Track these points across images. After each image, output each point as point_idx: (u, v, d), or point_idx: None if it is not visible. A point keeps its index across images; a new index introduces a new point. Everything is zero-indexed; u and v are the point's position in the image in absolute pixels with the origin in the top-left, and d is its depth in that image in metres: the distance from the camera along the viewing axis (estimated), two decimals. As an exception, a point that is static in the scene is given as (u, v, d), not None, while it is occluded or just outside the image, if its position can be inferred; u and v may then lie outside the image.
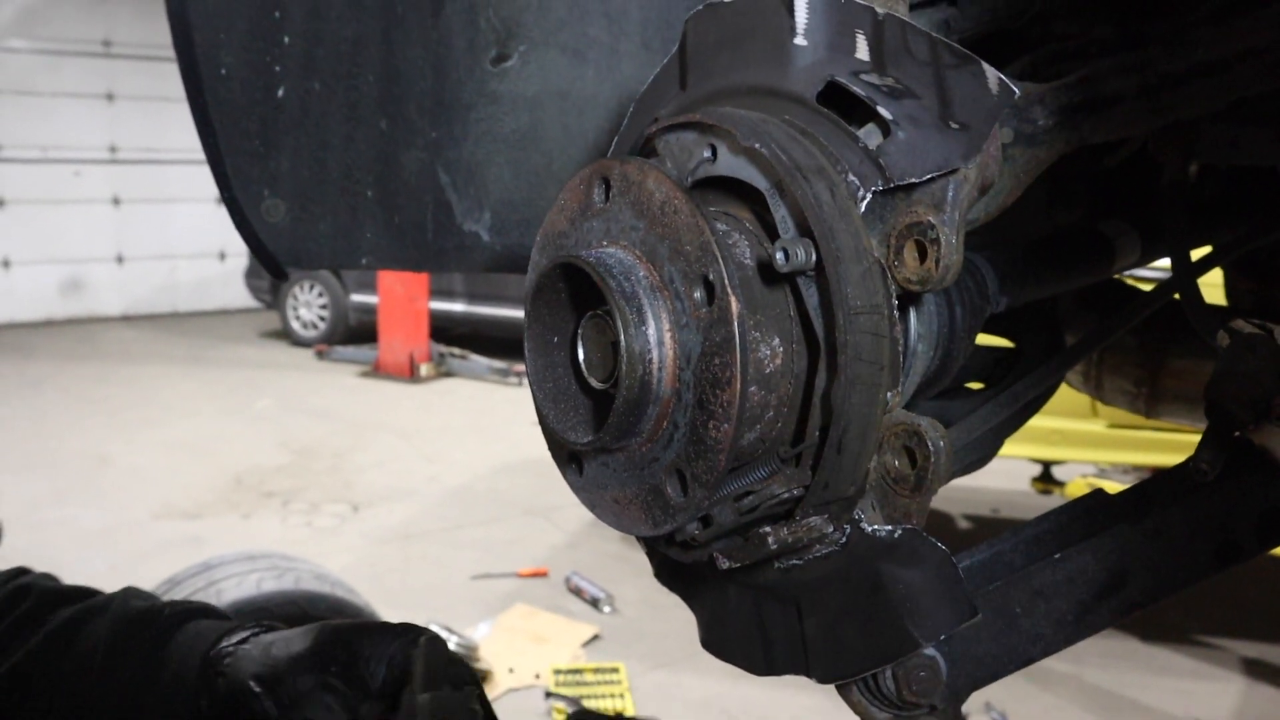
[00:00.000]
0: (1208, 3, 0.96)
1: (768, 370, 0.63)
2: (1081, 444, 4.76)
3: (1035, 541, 0.77)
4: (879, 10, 0.65)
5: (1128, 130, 0.72)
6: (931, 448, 0.63)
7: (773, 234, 0.65)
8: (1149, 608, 0.73)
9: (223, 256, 14.68)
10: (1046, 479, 5.39)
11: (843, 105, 0.66)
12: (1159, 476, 0.79)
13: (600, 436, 0.63)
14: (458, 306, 11.31)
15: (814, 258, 0.60)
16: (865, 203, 0.63)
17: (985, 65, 0.60)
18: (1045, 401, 1.05)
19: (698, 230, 0.60)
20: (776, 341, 0.63)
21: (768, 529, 0.66)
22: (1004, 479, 6.18)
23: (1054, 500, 5.54)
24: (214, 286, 14.71)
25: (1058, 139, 0.71)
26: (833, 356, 0.61)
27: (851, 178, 0.63)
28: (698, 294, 0.60)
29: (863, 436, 0.62)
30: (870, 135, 0.64)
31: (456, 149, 1.27)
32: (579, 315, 0.68)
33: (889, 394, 0.62)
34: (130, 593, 1.01)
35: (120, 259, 14.09)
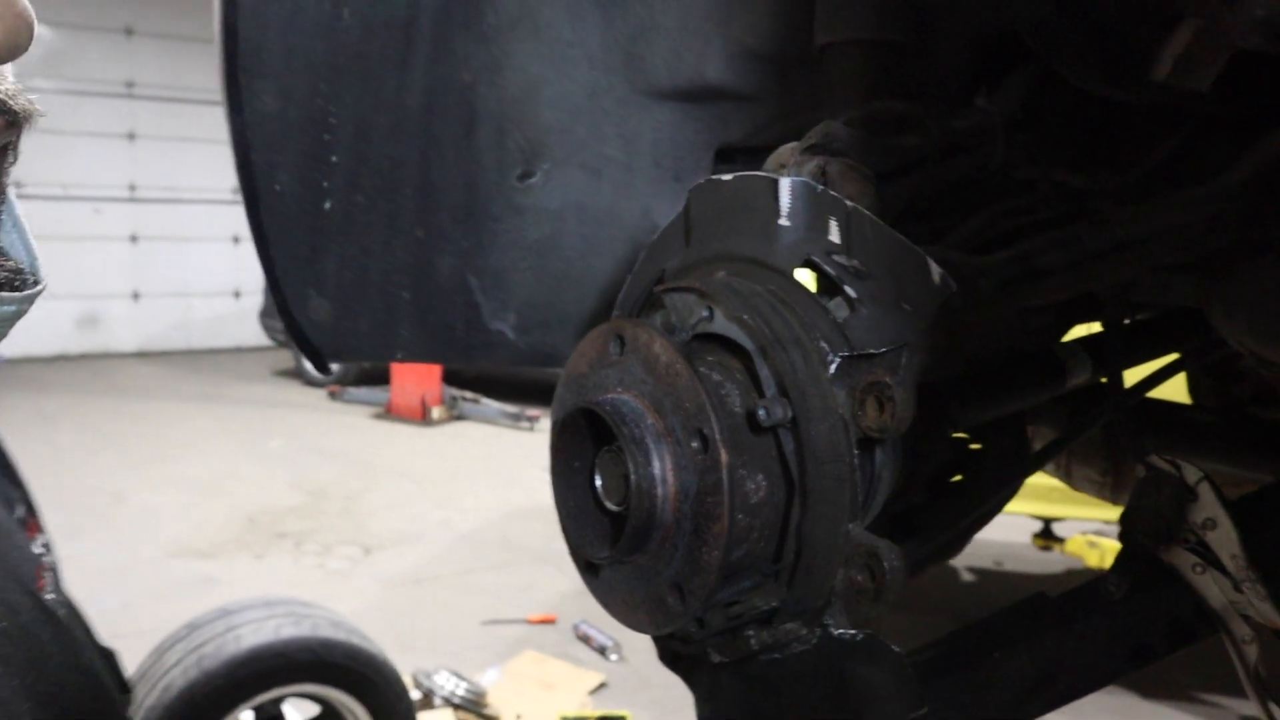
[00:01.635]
0: (1154, 155, 1.10)
1: (753, 501, 0.76)
2: (1081, 502, 4.86)
3: (984, 638, 0.90)
4: (848, 203, 0.79)
5: (1061, 295, 0.86)
6: (888, 566, 0.76)
7: (758, 385, 0.78)
8: (1075, 700, 0.85)
9: (238, 295, 14.89)
10: (1047, 535, 5.48)
11: (818, 280, 0.80)
12: (1088, 585, 0.92)
13: (614, 553, 0.77)
14: (470, 350, 11.44)
15: (790, 415, 0.74)
16: (834, 366, 0.76)
17: (929, 259, 0.74)
18: (1009, 499, 1.18)
19: (695, 392, 0.73)
20: (760, 478, 0.77)
21: (751, 632, 0.79)
22: (1007, 532, 6.27)
23: (1054, 556, 5.63)
24: (229, 324, 14.92)
25: (1001, 303, 0.85)
26: (805, 496, 0.75)
27: (823, 344, 0.77)
28: (695, 443, 0.74)
29: (828, 560, 0.75)
30: (839, 307, 0.78)
31: (485, 256, 1.41)
32: (597, 447, 0.81)
33: (850, 525, 0.75)
34: None
35: (136, 295, 14.31)
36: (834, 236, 0.80)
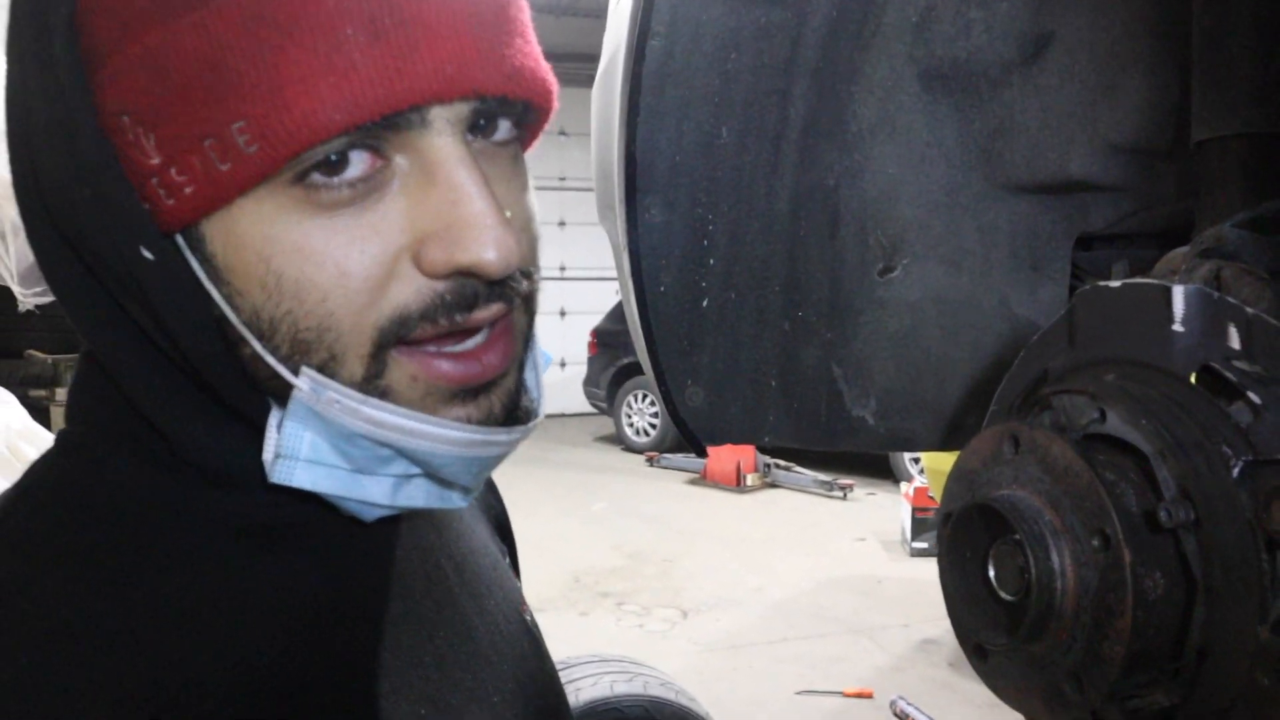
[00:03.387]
0: None
1: (1151, 599, 0.79)
2: None
3: None
4: (1249, 310, 0.81)
5: None
6: (1298, 672, 0.77)
7: (1154, 485, 0.82)
8: None
9: (563, 365, 15.92)
10: None
11: (1213, 384, 0.83)
12: None
13: (1013, 640, 0.82)
14: (782, 419, 11.53)
15: (1193, 516, 0.77)
16: (1237, 469, 0.78)
17: (1341, 369, 0.75)
18: None
19: (1097, 493, 0.78)
20: (1159, 575, 0.80)
21: (1149, 727, 0.82)
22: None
23: None
24: (554, 393, 15.94)
25: None
26: (1209, 596, 0.77)
27: (1225, 449, 0.79)
28: (1095, 541, 0.79)
29: (1234, 661, 0.77)
30: (1240, 413, 0.80)
31: (848, 346, 1.51)
32: (990, 539, 0.87)
33: (1259, 626, 0.77)
34: None
35: (474, 365, 15.59)
36: (1233, 342, 0.82)
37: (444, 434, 0.60)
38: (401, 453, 0.60)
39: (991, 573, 0.87)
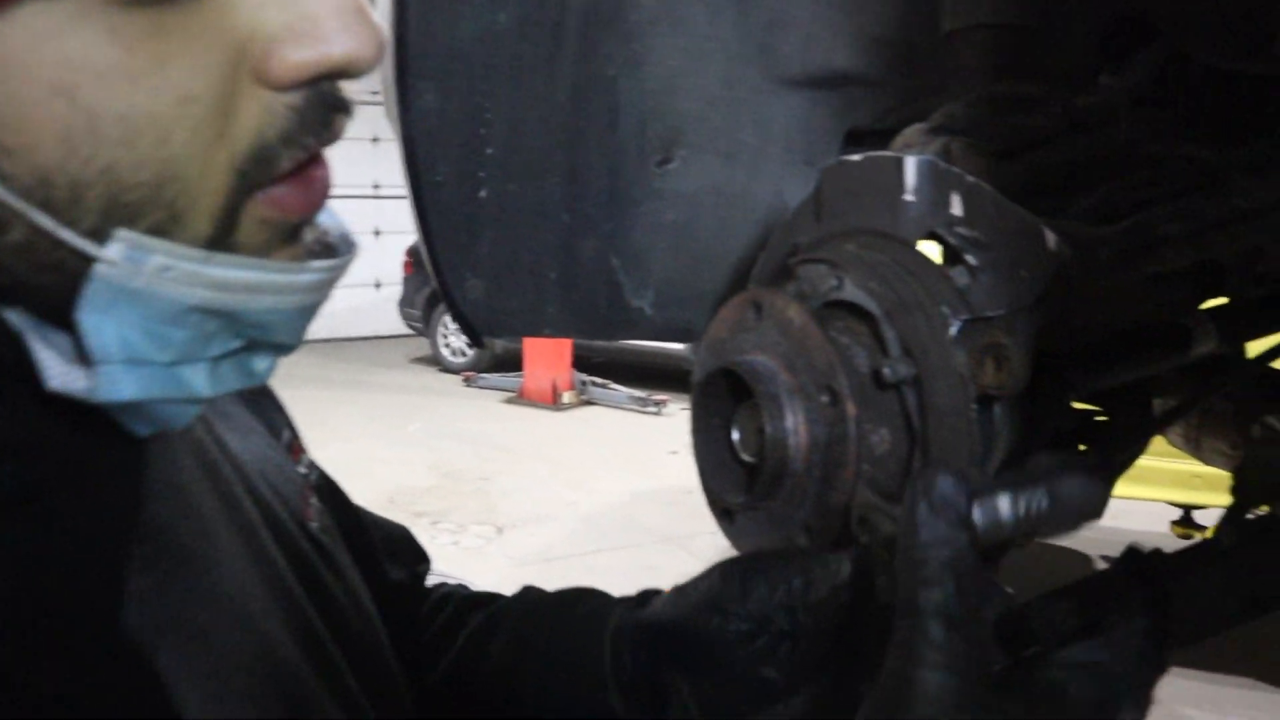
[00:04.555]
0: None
1: (878, 453, 0.84)
2: (1221, 489, 4.69)
3: (1089, 592, 0.95)
4: (969, 179, 0.85)
5: (1180, 264, 0.90)
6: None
7: (882, 345, 0.85)
8: (1189, 645, 0.90)
9: (378, 285, 15.51)
10: (1187, 523, 5.33)
11: (941, 249, 0.87)
12: (1202, 542, 0.96)
13: (749, 498, 0.85)
14: (599, 337, 11.64)
15: (913, 373, 0.81)
16: (955, 328, 0.83)
17: (1045, 229, 0.80)
18: (1132, 463, 1.22)
19: (826, 352, 0.81)
20: (885, 432, 0.84)
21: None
22: (1145, 521, 6.11)
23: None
24: (369, 314, 15.54)
25: (1122, 272, 0.90)
26: (926, 446, 0.82)
27: (944, 308, 0.83)
28: (824, 398, 0.82)
29: (949, 506, 0.82)
30: (960, 275, 0.84)
31: (626, 238, 1.51)
32: (735, 404, 0.90)
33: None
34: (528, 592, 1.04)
35: (284, 286, 15.01)
36: (956, 210, 0.86)
37: (297, 281, 0.50)
38: (235, 319, 0.48)
39: (735, 436, 0.89)
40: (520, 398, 11.14)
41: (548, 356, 10.88)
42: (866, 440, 0.83)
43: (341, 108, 0.50)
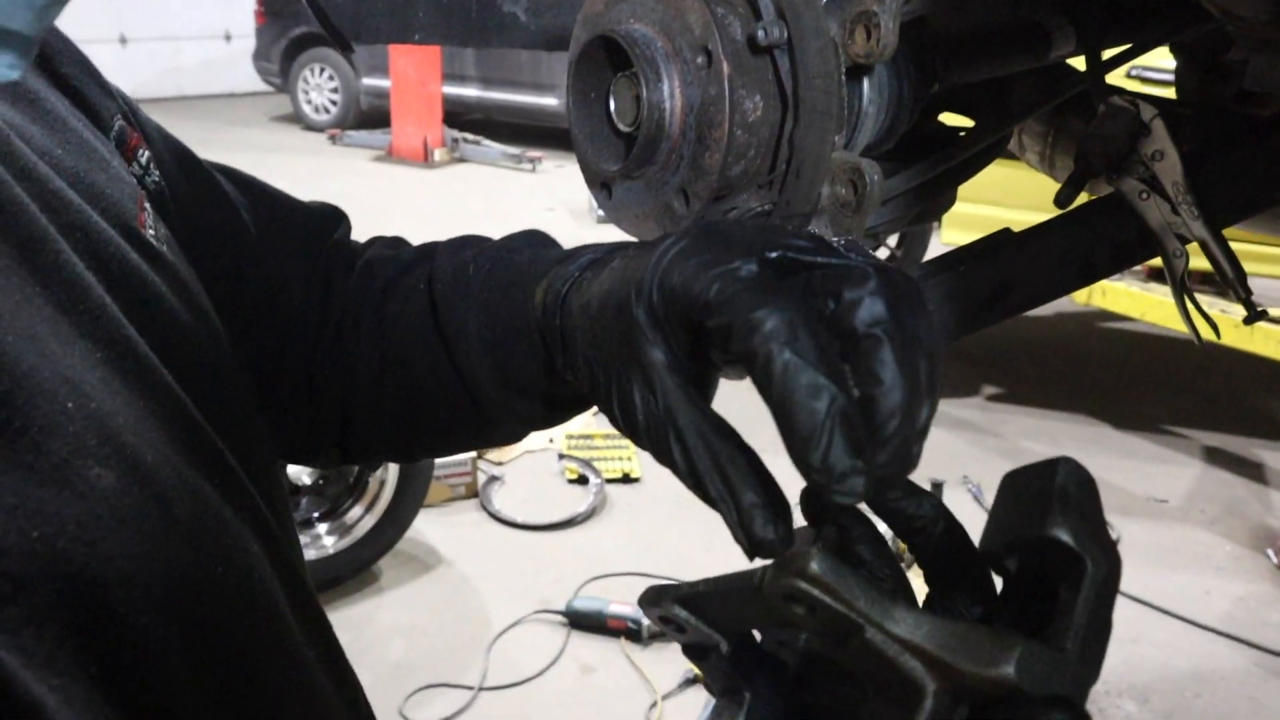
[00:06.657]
0: None
1: (751, 119, 0.86)
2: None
3: (952, 259, 1.03)
4: None
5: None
6: (869, 179, 0.87)
7: (758, 12, 0.87)
8: (1029, 309, 0.99)
9: (229, 38, 14.47)
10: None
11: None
12: (1045, 222, 1.03)
13: (626, 165, 0.88)
14: (471, 91, 11.25)
15: (785, 35, 0.83)
16: (827, -5, 0.84)
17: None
18: (991, 159, 1.28)
19: (701, 13, 0.82)
20: (758, 98, 0.86)
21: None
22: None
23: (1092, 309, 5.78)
24: (221, 69, 14.57)
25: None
26: (797, 109, 0.85)
27: (817, -27, 0.85)
28: (700, 60, 0.83)
29: (815, 167, 0.86)
30: (834, -56, 0.85)
31: (497, -63, 1.45)
32: (612, 74, 0.91)
33: (836, 136, 0.86)
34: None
35: (123, 40, 13.90)
36: (831, -125, 0.86)
37: None
38: None
39: (612, 106, 0.91)
40: (389, 155, 10.79)
41: (417, 112, 10.49)
42: (740, 105, 0.85)
43: None
